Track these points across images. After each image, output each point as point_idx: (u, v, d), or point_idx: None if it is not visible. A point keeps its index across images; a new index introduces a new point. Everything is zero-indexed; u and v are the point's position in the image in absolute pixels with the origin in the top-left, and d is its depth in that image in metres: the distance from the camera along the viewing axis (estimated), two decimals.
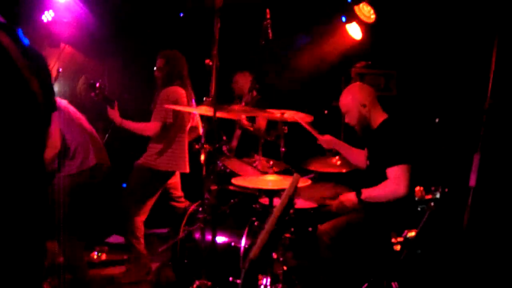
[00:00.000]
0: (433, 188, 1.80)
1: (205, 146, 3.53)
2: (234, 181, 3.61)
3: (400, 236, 1.83)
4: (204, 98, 3.64)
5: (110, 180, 6.01)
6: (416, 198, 1.79)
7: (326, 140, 4.22)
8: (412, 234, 1.80)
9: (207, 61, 3.31)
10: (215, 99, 3.27)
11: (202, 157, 3.50)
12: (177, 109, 4.51)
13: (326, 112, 5.98)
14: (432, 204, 1.75)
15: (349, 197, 3.83)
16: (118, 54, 6.21)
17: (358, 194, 3.77)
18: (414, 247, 1.78)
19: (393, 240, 1.82)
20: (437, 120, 3.90)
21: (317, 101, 5.94)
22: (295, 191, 1.95)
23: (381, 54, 5.40)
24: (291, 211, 3.74)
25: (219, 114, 3.48)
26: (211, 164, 3.45)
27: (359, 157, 4.17)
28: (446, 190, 1.76)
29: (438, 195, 1.76)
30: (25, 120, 1.98)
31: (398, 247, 1.81)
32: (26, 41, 2.09)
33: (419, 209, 1.77)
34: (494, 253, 3.21)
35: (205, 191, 3.43)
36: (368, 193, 3.75)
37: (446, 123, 4.84)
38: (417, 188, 1.82)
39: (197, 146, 3.55)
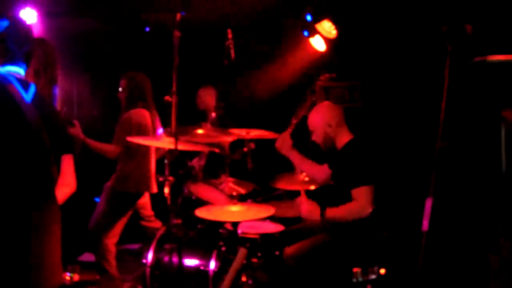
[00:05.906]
0: (370, 269, 1.85)
1: (169, 178, 3.55)
2: (198, 212, 3.64)
3: None
4: (167, 129, 3.65)
5: (82, 196, 6.00)
6: (354, 280, 1.85)
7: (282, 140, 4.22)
8: None
9: (166, 97, 3.31)
10: (177, 135, 3.29)
11: (166, 190, 3.51)
12: (139, 142, 4.40)
13: (295, 121, 6.01)
14: (369, 286, 1.81)
15: (313, 215, 3.87)
16: (88, 70, 6.18)
17: (323, 213, 3.83)
18: None
19: None
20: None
21: (284, 116, 5.97)
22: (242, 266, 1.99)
23: (345, 65, 5.43)
24: (257, 236, 3.79)
25: (182, 147, 3.50)
26: (175, 199, 3.47)
27: (313, 168, 4.20)
28: (383, 272, 1.82)
29: (373, 277, 1.82)
30: (33, 162, 2.27)
31: None
32: (33, 88, 2.36)
33: None
34: None
35: (170, 225, 3.45)
36: (333, 213, 3.81)
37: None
38: (355, 270, 1.88)
39: (161, 179, 3.56)
